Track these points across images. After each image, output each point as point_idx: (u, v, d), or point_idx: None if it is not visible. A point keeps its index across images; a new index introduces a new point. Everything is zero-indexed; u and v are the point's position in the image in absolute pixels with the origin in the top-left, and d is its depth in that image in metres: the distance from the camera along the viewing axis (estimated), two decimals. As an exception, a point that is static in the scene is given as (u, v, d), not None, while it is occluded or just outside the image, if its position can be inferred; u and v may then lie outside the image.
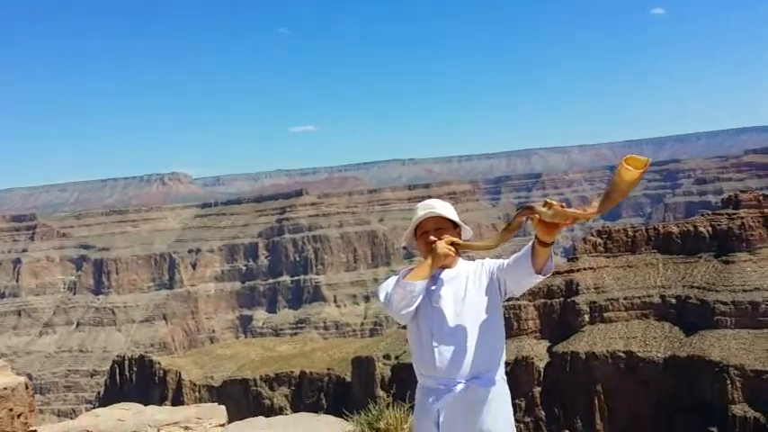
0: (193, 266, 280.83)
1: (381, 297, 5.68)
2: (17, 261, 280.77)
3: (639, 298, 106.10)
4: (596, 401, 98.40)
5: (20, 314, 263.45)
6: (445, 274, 5.72)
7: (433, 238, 5.70)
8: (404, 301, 5.51)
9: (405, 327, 6.03)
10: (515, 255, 5.48)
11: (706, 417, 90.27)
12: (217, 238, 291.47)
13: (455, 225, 5.86)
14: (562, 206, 4.95)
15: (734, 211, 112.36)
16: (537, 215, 5.01)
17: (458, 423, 5.51)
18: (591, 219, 5.10)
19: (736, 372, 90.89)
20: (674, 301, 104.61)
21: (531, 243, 5.26)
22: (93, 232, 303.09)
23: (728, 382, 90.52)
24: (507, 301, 5.94)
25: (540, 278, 5.38)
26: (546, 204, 4.99)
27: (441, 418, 5.52)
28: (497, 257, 5.99)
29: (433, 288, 5.67)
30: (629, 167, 4.63)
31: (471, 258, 5.90)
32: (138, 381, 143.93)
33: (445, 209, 5.83)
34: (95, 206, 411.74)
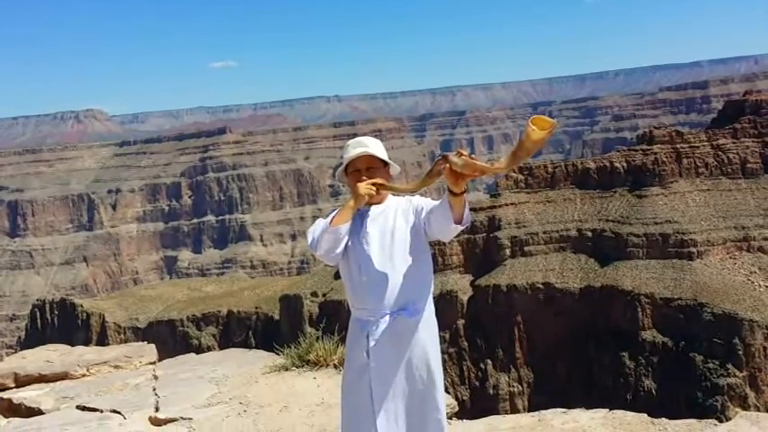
0: (113, 207, 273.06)
1: (309, 241, 5.82)
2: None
3: (558, 232, 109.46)
4: (516, 331, 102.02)
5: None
6: (373, 210, 5.89)
7: (364, 177, 5.83)
8: (329, 244, 5.70)
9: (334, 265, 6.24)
10: (434, 205, 5.68)
11: (618, 342, 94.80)
12: (137, 178, 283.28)
13: (385, 164, 5.99)
14: (472, 158, 5.08)
15: (648, 147, 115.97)
16: (448, 164, 5.14)
17: (386, 351, 5.81)
18: (497, 174, 5.28)
19: (646, 300, 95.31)
20: (590, 234, 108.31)
21: (445, 195, 5.41)
22: (6, 173, 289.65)
23: (639, 309, 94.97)
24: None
25: (460, 228, 5.53)
26: (458, 154, 5.12)
27: (369, 346, 5.81)
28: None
29: (361, 224, 5.86)
30: (536, 128, 4.78)
31: (402, 195, 6.09)
32: (60, 324, 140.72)
33: (377, 148, 5.93)
34: (7, 145, 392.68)
